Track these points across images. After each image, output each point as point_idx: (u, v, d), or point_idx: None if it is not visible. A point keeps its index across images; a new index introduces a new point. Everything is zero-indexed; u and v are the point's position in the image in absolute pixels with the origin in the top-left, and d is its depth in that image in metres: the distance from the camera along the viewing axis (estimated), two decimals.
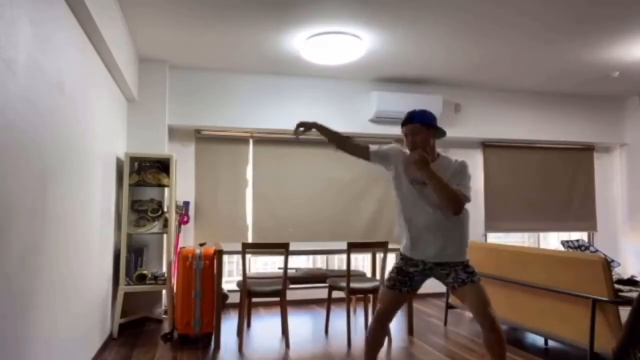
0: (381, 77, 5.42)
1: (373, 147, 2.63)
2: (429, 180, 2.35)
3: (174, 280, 4.27)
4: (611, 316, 2.98)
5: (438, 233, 2.42)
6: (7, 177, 1.78)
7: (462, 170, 2.42)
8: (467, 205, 2.43)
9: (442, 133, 2.52)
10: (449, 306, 4.53)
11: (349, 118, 5.45)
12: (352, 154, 2.63)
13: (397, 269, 2.55)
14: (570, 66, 4.97)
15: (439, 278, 2.52)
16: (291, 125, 5.23)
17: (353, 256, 4.22)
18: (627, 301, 2.94)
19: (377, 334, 2.57)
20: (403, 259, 2.55)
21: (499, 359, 2.36)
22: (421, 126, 2.43)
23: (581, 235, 6.48)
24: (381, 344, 2.60)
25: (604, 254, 3.40)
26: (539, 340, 3.95)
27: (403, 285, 2.52)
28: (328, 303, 4.20)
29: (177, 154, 4.96)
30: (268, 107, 5.23)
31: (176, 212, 4.66)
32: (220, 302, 3.80)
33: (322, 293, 5.30)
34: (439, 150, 2.54)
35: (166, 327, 4.29)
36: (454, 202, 2.33)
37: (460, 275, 2.41)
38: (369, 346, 2.57)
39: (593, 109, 6.29)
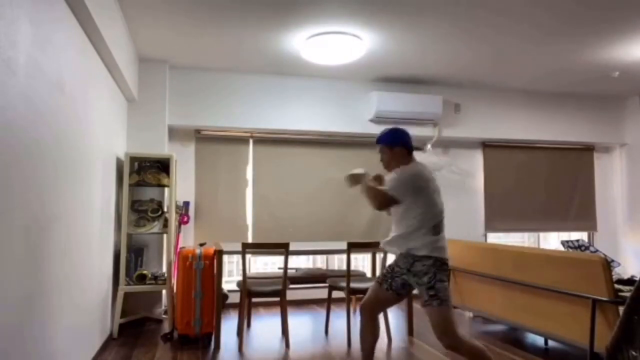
0: (381, 77, 5.42)
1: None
2: (361, 191, 2.70)
3: (174, 280, 4.27)
4: (611, 316, 2.98)
5: (397, 230, 2.64)
6: (8, 176, 1.78)
7: (394, 176, 2.62)
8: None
9: (416, 148, 2.79)
10: None
11: (349, 118, 5.45)
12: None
13: (388, 266, 2.71)
14: (570, 66, 4.97)
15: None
16: (291, 125, 5.30)
17: (353, 256, 4.22)
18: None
19: (363, 327, 2.68)
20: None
21: None
22: (383, 146, 2.71)
23: (581, 235, 6.48)
24: (371, 338, 2.67)
25: (604, 254, 3.40)
26: (539, 340, 3.95)
27: (384, 280, 2.66)
28: (328, 303, 4.20)
29: (177, 154, 4.96)
30: (268, 107, 5.23)
31: (176, 212, 4.66)
32: (220, 302, 3.80)
33: (322, 293, 5.31)
34: (420, 156, 2.72)
35: (166, 327, 4.29)
36: (371, 200, 2.60)
37: (424, 296, 2.49)
38: (361, 342, 2.71)
39: (593, 109, 6.29)
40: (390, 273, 2.64)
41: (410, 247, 2.53)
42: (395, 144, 2.68)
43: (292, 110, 5.30)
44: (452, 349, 2.42)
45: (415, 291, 2.62)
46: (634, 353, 1.65)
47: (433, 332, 2.45)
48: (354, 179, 2.75)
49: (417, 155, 2.77)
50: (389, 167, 2.71)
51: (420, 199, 2.52)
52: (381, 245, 2.75)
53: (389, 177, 2.67)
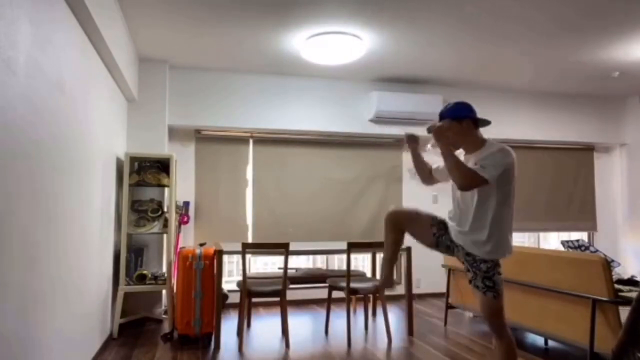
0: (381, 77, 5.42)
1: (434, 167, 2.71)
2: (441, 153, 2.34)
3: (174, 280, 4.27)
4: (611, 316, 2.98)
5: (464, 219, 2.39)
6: (7, 176, 1.78)
7: (491, 153, 2.31)
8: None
9: (483, 121, 2.43)
10: (449, 306, 4.53)
11: (349, 118, 5.45)
12: (428, 180, 2.72)
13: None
14: (570, 66, 4.97)
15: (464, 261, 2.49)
16: (291, 125, 5.29)
17: (353, 256, 4.22)
18: (627, 301, 2.94)
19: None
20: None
21: None
22: (451, 121, 2.40)
23: (581, 235, 6.47)
24: None
25: (604, 254, 3.40)
26: (539, 340, 3.95)
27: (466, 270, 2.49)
28: (328, 303, 4.20)
29: (177, 154, 4.95)
30: (268, 107, 5.23)
31: (176, 212, 4.66)
32: (220, 302, 3.80)
33: (322, 293, 5.30)
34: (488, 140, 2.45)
35: (166, 327, 4.29)
36: (460, 177, 2.26)
37: (477, 282, 2.37)
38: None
39: (593, 109, 6.29)
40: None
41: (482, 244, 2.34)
42: (464, 116, 2.39)
43: (292, 110, 5.30)
44: (496, 333, 2.35)
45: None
46: (639, 355, 1.65)
47: (484, 318, 2.40)
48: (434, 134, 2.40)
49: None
50: (456, 144, 2.40)
51: (508, 187, 2.29)
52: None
53: (476, 156, 2.35)
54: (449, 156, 2.31)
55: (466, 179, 2.25)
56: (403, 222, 2.56)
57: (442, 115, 2.46)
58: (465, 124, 2.39)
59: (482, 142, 2.41)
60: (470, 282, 2.43)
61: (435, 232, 2.51)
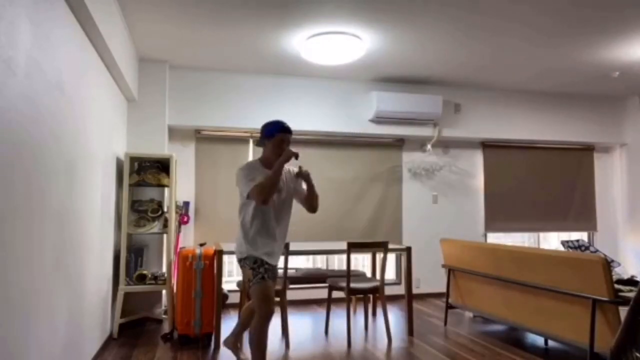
0: (381, 77, 5.42)
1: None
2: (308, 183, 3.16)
3: (174, 280, 4.27)
4: (611, 316, 2.98)
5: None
6: (7, 176, 1.78)
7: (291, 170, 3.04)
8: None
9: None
10: (449, 306, 4.53)
11: (349, 118, 5.45)
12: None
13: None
14: (570, 66, 4.97)
15: None
16: (291, 125, 5.26)
17: (353, 256, 4.22)
18: (627, 301, 2.94)
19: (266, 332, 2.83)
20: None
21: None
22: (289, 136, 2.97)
23: (581, 235, 6.48)
24: None
25: (604, 254, 3.40)
26: (539, 340, 3.95)
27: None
28: (328, 303, 4.20)
29: (177, 154, 4.96)
30: (268, 107, 5.23)
31: (176, 212, 4.66)
32: (220, 302, 3.80)
33: (322, 293, 5.31)
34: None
35: (166, 327, 4.29)
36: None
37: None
38: (263, 347, 2.76)
39: (593, 109, 6.30)
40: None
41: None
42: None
43: (292, 110, 5.30)
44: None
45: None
46: (638, 355, 1.65)
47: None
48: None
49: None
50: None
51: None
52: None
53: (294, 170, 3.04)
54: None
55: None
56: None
57: (290, 130, 3.01)
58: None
59: None
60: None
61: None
